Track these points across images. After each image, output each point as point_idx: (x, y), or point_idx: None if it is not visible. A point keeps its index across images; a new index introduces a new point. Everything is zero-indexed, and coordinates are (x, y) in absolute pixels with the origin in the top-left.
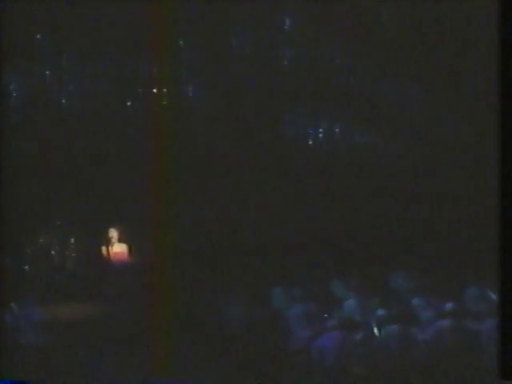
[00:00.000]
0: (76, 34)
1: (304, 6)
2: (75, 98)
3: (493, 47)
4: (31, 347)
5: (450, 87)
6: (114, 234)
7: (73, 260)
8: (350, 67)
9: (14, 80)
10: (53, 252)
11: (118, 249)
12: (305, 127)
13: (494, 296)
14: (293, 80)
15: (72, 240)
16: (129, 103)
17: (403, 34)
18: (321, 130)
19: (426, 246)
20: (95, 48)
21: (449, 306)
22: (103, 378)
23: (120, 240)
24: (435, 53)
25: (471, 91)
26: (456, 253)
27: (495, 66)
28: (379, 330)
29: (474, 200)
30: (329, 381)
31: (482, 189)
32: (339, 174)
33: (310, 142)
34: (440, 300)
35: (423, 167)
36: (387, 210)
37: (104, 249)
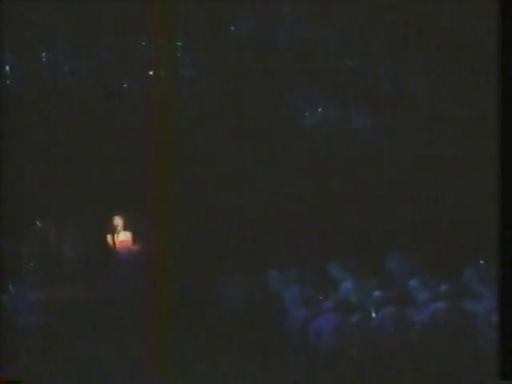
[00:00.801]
0: (74, 18)
1: None
2: (73, 82)
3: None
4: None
5: (449, 76)
6: (115, 220)
7: (73, 247)
8: (350, 53)
9: (10, 60)
10: (54, 240)
11: (122, 236)
12: (304, 111)
13: (489, 278)
14: (291, 63)
15: (72, 227)
16: (128, 87)
17: (402, 23)
18: (320, 114)
19: (423, 229)
20: (94, 33)
21: (445, 287)
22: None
23: (120, 226)
24: (434, 40)
25: (471, 80)
26: (453, 236)
27: (495, 60)
28: (376, 311)
29: (471, 184)
30: (326, 362)
31: (481, 172)
32: (337, 157)
33: (308, 127)
34: (437, 282)
35: (421, 151)
36: (384, 192)
37: (106, 235)
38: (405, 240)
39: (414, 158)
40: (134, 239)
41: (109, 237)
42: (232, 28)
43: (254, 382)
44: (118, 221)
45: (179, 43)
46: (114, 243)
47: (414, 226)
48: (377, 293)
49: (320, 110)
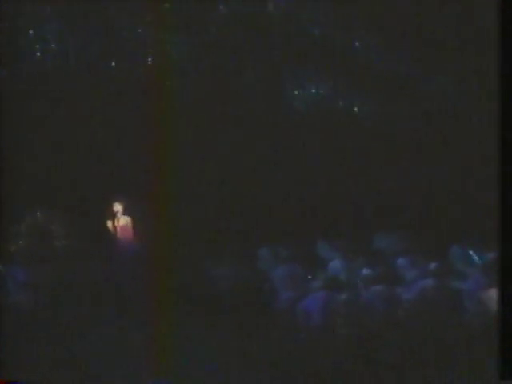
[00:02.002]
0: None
1: None
2: (66, 68)
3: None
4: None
5: (447, 55)
6: (112, 206)
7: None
8: (343, 31)
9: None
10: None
11: (120, 220)
12: (299, 88)
13: (476, 257)
14: (284, 41)
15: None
16: (122, 72)
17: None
18: (312, 94)
19: (413, 208)
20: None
21: (433, 266)
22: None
23: (117, 211)
24: (431, 22)
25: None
26: (444, 215)
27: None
28: (365, 290)
29: (463, 164)
30: (314, 340)
31: (472, 154)
32: (326, 137)
33: (300, 106)
34: (425, 260)
35: (412, 131)
36: (374, 172)
37: (104, 220)
38: (394, 219)
39: (404, 137)
40: (130, 222)
41: (108, 222)
42: (221, 7)
43: (242, 360)
44: (116, 205)
45: (168, 24)
46: (114, 228)
47: (404, 205)
48: (365, 271)
49: (313, 89)
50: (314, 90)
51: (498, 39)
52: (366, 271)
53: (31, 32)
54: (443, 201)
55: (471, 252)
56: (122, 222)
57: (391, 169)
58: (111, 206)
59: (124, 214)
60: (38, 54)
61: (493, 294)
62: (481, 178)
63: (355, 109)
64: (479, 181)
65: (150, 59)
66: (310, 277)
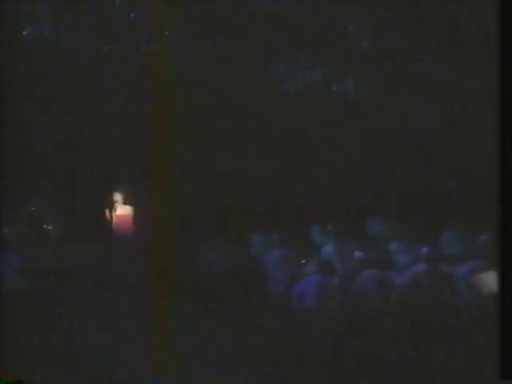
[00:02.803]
0: None
1: None
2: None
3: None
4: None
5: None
6: (112, 195)
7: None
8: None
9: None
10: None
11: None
12: (297, 75)
13: (469, 241)
14: (279, 27)
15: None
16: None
17: None
18: (305, 80)
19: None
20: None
21: (431, 252)
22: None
23: (116, 199)
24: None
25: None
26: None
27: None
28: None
29: (457, 149)
30: (308, 324)
31: (472, 141)
32: (319, 122)
33: (293, 93)
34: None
35: (407, 118)
36: (368, 157)
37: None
38: (387, 203)
39: (398, 122)
40: (128, 209)
41: (106, 210)
42: None
43: (236, 345)
44: (115, 194)
45: (165, 14)
46: (111, 215)
47: (399, 190)
48: (358, 256)
49: (305, 74)
50: (311, 78)
51: (498, 39)
52: (358, 255)
53: (31, 29)
54: (440, 185)
55: (468, 237)
56: (119, 209)
57: (386, 155)
58: (109, 194)
59: (122, 201)
60: (38, 52)
61: (492, 284)
62: (479, 163)
63: (351, 94)
64: (477, 165)
65: (145, 48)
66: (303, 261)
